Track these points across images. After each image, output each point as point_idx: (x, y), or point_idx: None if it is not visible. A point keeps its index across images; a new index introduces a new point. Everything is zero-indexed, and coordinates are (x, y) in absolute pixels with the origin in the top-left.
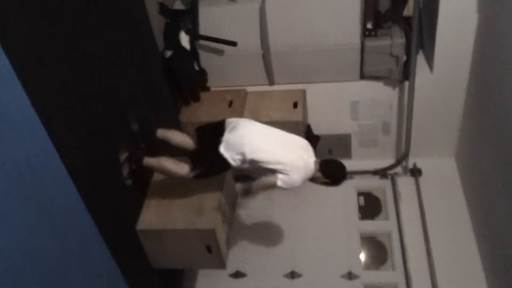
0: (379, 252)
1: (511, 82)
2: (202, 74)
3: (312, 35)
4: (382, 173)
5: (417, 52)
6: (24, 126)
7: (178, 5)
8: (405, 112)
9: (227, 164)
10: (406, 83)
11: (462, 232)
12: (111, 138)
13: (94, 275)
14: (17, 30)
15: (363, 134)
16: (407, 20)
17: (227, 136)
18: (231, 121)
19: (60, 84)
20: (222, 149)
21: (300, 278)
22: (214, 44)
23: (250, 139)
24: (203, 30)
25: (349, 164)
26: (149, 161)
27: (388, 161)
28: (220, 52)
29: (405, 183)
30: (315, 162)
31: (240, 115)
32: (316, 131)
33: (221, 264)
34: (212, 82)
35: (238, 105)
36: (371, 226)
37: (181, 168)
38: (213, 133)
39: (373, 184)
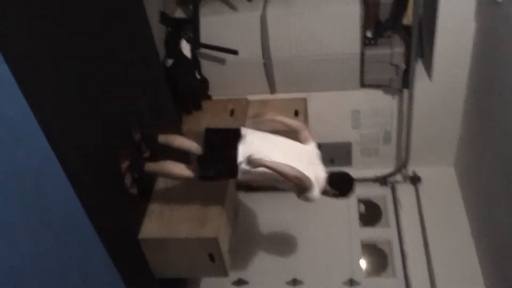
0: (379, 259)
1: (510, 90)
2: (204, 83)
3: (312, 44)
4: (382, 180)
5: (416, 61)
6: (24, 132)
7: (179, 14)
8: (405, 120)
9: (236, 173)
10: (406, 92)
11: (461, 239)
12: (112, 145)
13: (95, 283)
14: (16, 35)
15: (364, 143)
16: (407, 29)
17: (246, 149)
18: (247, 132)
19: (60, 91)
20: (241, 160)
21: (302, 285)
22: (215, 53)
23: (270, 156)
24: (204, 38)
25: (350, 172)
26: (150, 166)
27: (389, 170)
28: (221, 61)
29: (405, 191)
30: (325, 178)
31: (242, 124)
32: (317, 139)
33: (224, 272)
34: (214, 91)
35: (240, 114)
36: (372, 233)
37: (184, 169)
38: (225, 139)
39: (374, 191)
